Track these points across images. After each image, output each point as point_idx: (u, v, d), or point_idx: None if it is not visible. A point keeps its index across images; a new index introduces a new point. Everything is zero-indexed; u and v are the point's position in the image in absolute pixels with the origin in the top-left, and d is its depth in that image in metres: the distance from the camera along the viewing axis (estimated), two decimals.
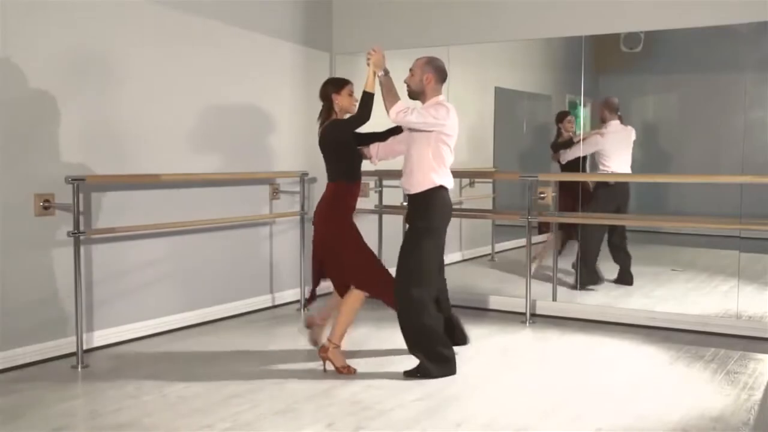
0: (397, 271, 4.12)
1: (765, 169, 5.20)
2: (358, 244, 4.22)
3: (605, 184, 6.08)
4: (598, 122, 6.17)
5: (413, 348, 4.12)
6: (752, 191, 5.17)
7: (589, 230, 6.05)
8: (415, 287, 4.04)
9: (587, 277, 6.12)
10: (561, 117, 6.40)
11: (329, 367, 4.16)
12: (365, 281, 4.17)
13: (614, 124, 6.07)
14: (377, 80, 4.08)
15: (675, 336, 4.97)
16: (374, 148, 4.40)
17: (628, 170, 6.05)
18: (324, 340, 4.27)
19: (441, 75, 4.17)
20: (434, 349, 4.09)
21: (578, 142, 6.11)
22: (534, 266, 6.29)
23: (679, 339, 4.90)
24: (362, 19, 6.22)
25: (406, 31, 5.96)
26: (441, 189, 4.10)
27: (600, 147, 6.06)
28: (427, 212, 4.09)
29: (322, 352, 4.17)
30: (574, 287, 6.06)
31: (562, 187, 5.88)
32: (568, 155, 6.19)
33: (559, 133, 6.38)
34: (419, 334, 4.08)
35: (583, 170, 6.12)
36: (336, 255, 4.20)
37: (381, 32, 6.08)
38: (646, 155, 6.41)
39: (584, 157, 6.16)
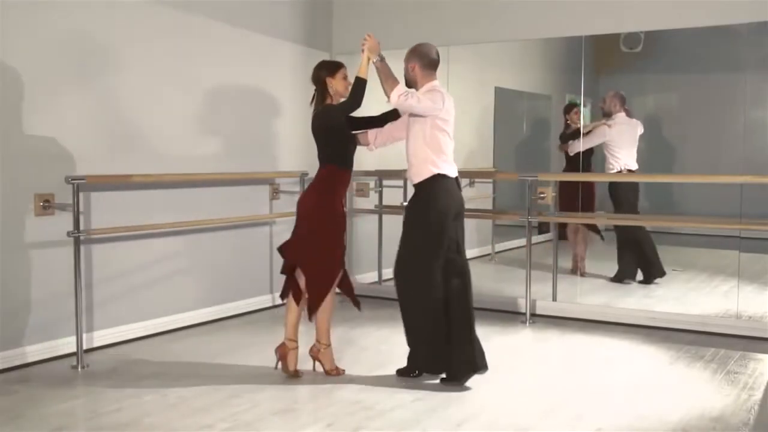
0: (398, 257, 4.03)
1: (765, 169, 5.20)
2: (329, 244, 4.03)
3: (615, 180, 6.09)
4: (600, 115, 6.19)
5: (407, 337, 4.05)
6: (752, 191, 5.17)
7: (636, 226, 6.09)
8: (412, 277, 3.95)
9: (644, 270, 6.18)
10: (568, 109, 6.40)
11: (318, 368, 4.10)
12: (315, 281, 4.02)
13: (621, 116, 6.10)
14: (372, 66, 3.96)
15: (675, 336, 4.97)
16: (372, 135, 4.25)
17: (635, 164, 6.07)
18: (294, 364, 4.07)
19: (426, 60, 4.02)
20: (421, 341, 4.00)
21: (587, 133, 6.10)
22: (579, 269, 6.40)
23: (679, 339, 4.89)
24: (362, 19, 6.21)
25: (406, 31, 5.94)
26: (441, 177, 3.92)
27: (608, 138, 6.08)
28: (425, 202, 3.93)
29: (313, 353, 4.11)
30: (612, 279, 6.21)
31: (563, 187, 5.82)
32: (577, 146, 6.09)
33: (567, 125, 6.40)
34: (411, 325, 4.01)
35: (589, 161, 6.11)
36: (310, 242, 4.02)
37: (381, 32, 5.99)
38: (646, 155, 6.40)
39: (591, 150, 6.13)
